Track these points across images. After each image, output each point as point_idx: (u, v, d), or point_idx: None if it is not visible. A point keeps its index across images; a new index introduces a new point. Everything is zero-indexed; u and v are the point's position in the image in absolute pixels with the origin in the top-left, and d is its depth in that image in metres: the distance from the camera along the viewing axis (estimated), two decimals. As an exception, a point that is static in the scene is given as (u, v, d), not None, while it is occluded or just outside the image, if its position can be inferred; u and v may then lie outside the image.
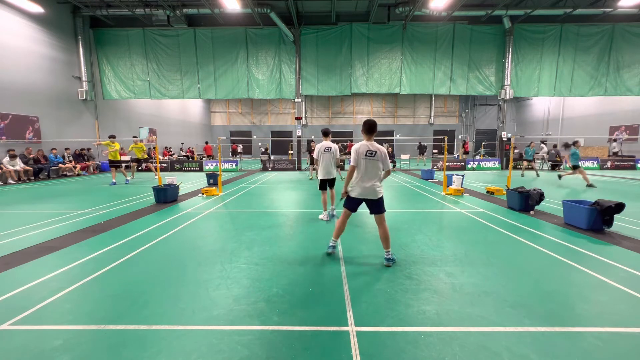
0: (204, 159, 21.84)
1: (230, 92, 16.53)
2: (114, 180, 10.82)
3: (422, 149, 22.27)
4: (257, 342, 2.20)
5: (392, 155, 16.61)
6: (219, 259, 3.75)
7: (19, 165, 11.53)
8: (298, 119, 16.67)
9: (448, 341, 2.19)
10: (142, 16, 14.87)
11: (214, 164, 17.15)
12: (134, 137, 13.38)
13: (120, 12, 14.69)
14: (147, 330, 2.33)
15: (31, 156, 12.26)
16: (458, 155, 26.60)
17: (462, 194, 8.35)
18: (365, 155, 3.45)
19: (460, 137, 30.59)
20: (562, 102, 24.34)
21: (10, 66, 11.87)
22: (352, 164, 3.56)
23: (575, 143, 10.03)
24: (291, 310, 2.60)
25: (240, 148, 23.84)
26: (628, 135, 19.02)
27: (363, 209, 3.72)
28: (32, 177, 12.09)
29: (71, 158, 14.20)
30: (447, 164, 15.65)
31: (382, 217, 3.52)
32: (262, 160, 18.01)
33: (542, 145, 19.63)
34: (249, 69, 16.27)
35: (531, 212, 6.12)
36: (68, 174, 13.46)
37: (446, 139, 9.81)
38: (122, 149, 11.40)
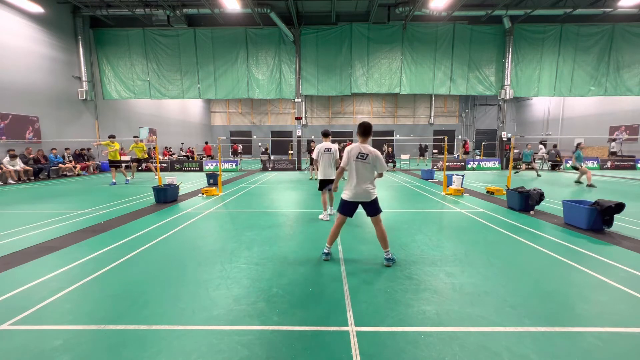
0: (204, 159, 21.84)
1: (230, 92, 16.53)
2: (114, 180, 10.82)
3: (422, 150, 22.27)
4: (257, 342, 2.20)
5: (392, 155, 16.61)
6: (219, 259, 3.75)
7: (19, 165, 11.53)
8: (298, 119, 16.67)
9: (448, 341, 2.19)
10: (142, 16, 14.87)
11: (214, 164, 17.15)
12: (134, 136, 13.39)
13: (120, 12, 14.69)
14: (147, 330, 2.33)
15: (31, 156, 12.26)
16: (458, 155, 26.61)
17: (462, 194, 8.35)
18: (357, 157, 3.44)
19: (460, 137, 30.60)
20: (562, 102, 24.34)
21: (10, 66, 11.88)
22: (342, 165, 3.57)
23: (579, 145, 10.44)
24: (291, 310, 2.60)
25: (240, 148, 23.84)
26: (628, 135, 19.02)
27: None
28: (32, 177, 12.09)
29: (71, 158, 14.20)
30: (447, 164, 15.65)
31: (378, 218, 3.51)
32: (262, 160, 18.02)
33: (540, 146, 19.64)
34: (249, 69, 16.27)
35: (531, 212, 6.12)
36: (68, 174, 13.46)
37: (446, 139, 9.81)
38: (122, 148, 11.39)
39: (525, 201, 6.21)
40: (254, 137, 30.90)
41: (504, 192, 7.75)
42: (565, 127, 24.36)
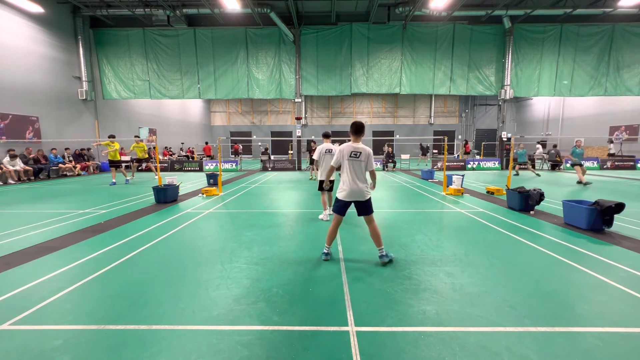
0: (204, 159, 21.84)
1: (230, 92, 16.53)
2: (114, 180, 10.82)
3: (424, 150, 22.07)
4: (257, 342, 2.20)
5: (392, 155, 16.60)
6: (219, 259, 3.75)
7: (19, 165, 11.54)
8: (298, 119, 16.67)
9: (448, 341, 2.19)
10: (142, 16, 14.87)
11: (214, 164, 17.15)
12: (135, 136, 13.38)
13: (120, 12, 14.69)
14: (147, 330, 2.33)
15: (31, 156, 12.26)
16: (458, 155, 26.60)
17: (462, 194, 8.35)
18: (350, 156, 3.46)
19: (460, 137, 30.60)
20: (562, 102, 24.34)
21: (10, 66, 11.88)
22: (332, 164, 3.57)
23: (576, 142, 10.56)
24: (291, 310, 2.60)
25: (240, 148, 23.82)
26: (628, 135, 19.03)
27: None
28: (32, 177, 12.09)
29: (71, 158, 14.20)
30: (447, 164, 15.65)
31: (371, 217, 3.54)
32: (262, 160, 18.02)
33: (538, 145, 19.64)
34: (249, 69, 16.27)
35: (531, 212, 6.12)
36: (68, 174, 13.46)
37: (446, 139, 9.81)
38: (122, 148, 11.40)
39: (525, 201, 6.21)
40: (254, 137, 30.90)
41: (504, 192, 7.75)
42: (565, 127, 24.35)
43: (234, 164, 17.45)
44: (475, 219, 5.69)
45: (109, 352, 2.10)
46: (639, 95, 16.28)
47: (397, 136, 30.19)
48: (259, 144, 29.41)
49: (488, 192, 8.56)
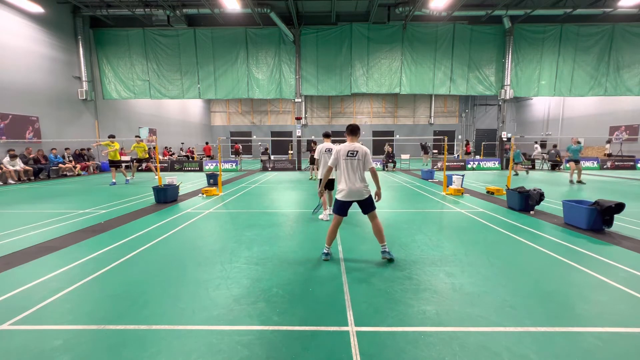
0: (204, 159, 21.84)
1: (230, 92, 16.53)
2: (114, 180, 10.82)
3: (426, 149, 21.72)
4: (257, 342, 2.20)
5: (392, 155, 16.60)
6: (219, 259, 3.75)
7: (19, 165, 11.53)
8: (298, 119, 16.67)
9: (448, 341, 2.19)
10: (142, 16, 14.87)
11: (214, 164, 17.15)
12: (136, 136, 13.39)
13: (120, 12, 14.69)
14: (147, 330, 2.33)
15: (31, 156, 12.26)
16: (458, 155, 26.59)
17: (462, 194, 8.35)
18: (347, 155, 3.47)
19: (459, 137, 30.61)
20: (562, 102, 24.34)
21: (10, 66, 11.87)
22: (330, 164, 3.57)
23: (572, 139, 10.67)
24: (291, 310, 2.60)
25: (240, 148, 23.81)
26: (628, 135, 19.03)
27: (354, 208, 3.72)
28: (32, 177, 12.09)
29: (71, 158, 14.20)
30: (447, 164, 15.65)
31: (374, 214, 3.54)
32: (262, 160, 18.02)
33: (536, 145, 19.66)
34: (249, 69, 16.27)
35: (531, 212, 6.12)
36: (68, 174, 13.46)
37: (446, 139, 9.82)
38: (122, 148, 11.40)
39: (525, 201, 6.21)
40: (254, 137, 30.90)
41: (504, 192, 7.75)
42: (565, 127, 24.36)
43: (234, 164, 17.46)
44: (475, 219, 5.69)
45: (109, 352, 2.10)
46: (639, 95, 16.28)
47: (397, 136, 30.19)
48: (259, 144, 29.41)
49: (488, 192, 8.56)
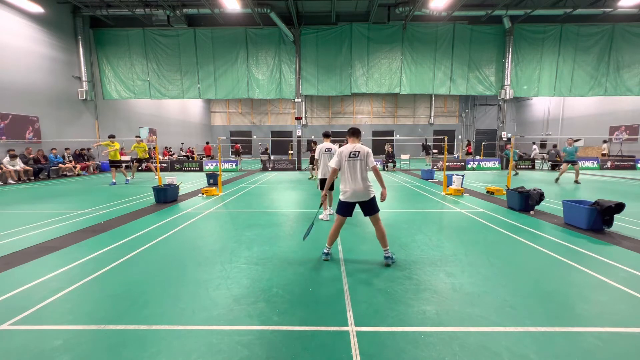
0: (204, 158, 21.85)
1: (230, 92, 16.53)
2: (114, 180, 10.82)
3: (427, 149, 21.31)
4: (257, 342, 2.20)
5: (392, 155, 16.61)
6: (219, 259, 3.75)
7: (19, 165, 11.53)
8: (298, 119, 16.67)
9: (448, 341, 2.19)
10: (142, 16, 14.87)
11: (214, 164, 17.15)
12: (136, 136, 13.40)
13: (120, 12, 14.69)
14: (147, 330, 2.33)
15: (31, 156, 12.26)
16: (458, 155, 26.58)
17: (462, 194, 8.35)
18: (349, 156, 3.48)
19: (459, 137, 30.61)
20: (562, 102, 24.34)
21: (10, 66, 11.87)
22: (334, 166, 3.56)
23: (568, 140, 10.79)
24: (291, 310, 2.60)
25: (240, 148, 23.81)
26: (628, 135, 19.03)
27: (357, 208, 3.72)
28: (32, 177, 12.09)
29: (71, 158, 14.20)
30: (447, 164, 15.65)
31: (377, 217, 3.52)
32: (262, 160, 18.02)
33: (534, 146, 19.67)
34: (249, 69, 16.27)
35: (531, 212, 6.12)
36: (68, 174, 13.46)
37: (446, 139, 9.82)
38: (122, 148, 11.40)
39: (525, 201, 6.21)
40: (254, 137, 30.90)
41: (504, 192, 7.75)
42: (565, 127, 24.36)
43: (233, 164, 17.46)
44: (475, 219, 5.69)
45: (109, 352, 2.10)
46: (639, 95, 16.28)
47: (397, 136, 30.19)
48: (259, 144, 29.42)
49: (488, 192, 8.56)
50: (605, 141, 19.99)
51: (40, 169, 12.37)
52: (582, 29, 15.66)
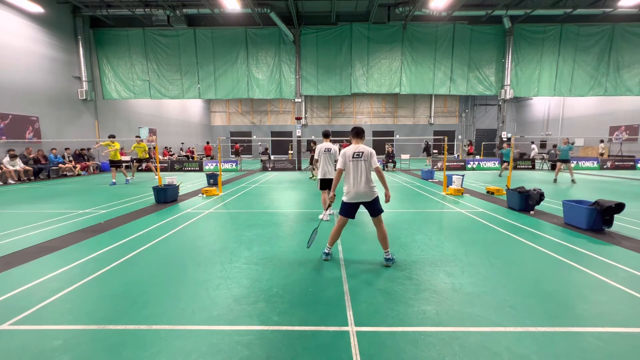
0: (204, 158, 21.85)
1: (230, 92, 16.54)
2: (114, 180, 10.82)
3: (429, 150, 21.01)
4: (257, 342, 2.20)
5: (392, 155, 16.61)
6: (219, 259, 3.75)
7: (19, 165, 11.53)
8: (298, 119, 16.67)
9: (448, 341, 2.19)
10: (142, 16, 14.87)
11: (214, 164, 17.15)
12: (136, 136, 13.40)
13: (120, 12, 14.70)
14: (147, 330, 2.33)
15: (31, 156, 12.26)
16: (458, 155, 26.58)
17: (462, 194, 8.35)
18: (353, 157, 3.47)
19: (459, 137, 30.61)
20: (562, 102, 24.34)
21: (10, 66, 11.88)
22: (339, 167, 3.57)
23: (563, 140, 11.06)
24: (291, 310, 2.60)
25: (240, 148, 23.81)
26: (628, 135, 19.03)
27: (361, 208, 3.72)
28: (32, 177, 12.09)
29: (71, 158, 14.21)
30: (447, 164, 15.65)
31: (380, 219, 3.51)
32: (262, 160, 18.02)
33: (533, 145, 19.67)
34: (249, 69, 16.28)
35: (531, 212, 6.12)
36: (68, 174, 13.46)
37: (446, 139, 9.82)
38: (122, 148, 11.40)
39: (525, 201, 6.21)
40: (254, 137, 30.90)
41: (504, 192, 7.75)
42: (565, 127, 24.36)
43: (233, 164, 17.46)
44: (475, 219, 5.69)
45: (109, 352, 2.10)
46: (639, 95, 16.28)
47: (397, 136, 30.20)
48: (259, 144, 29.43)
49: (488, 192, 8.56)
50: (602, 141, 20.02)
51: (40, 169, 12.37)
52: (582, 29, 15.67)
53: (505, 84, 16.13)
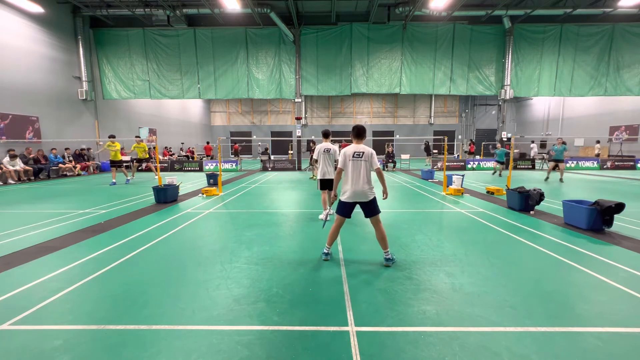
0: (204, 158, 21.85)
1: (230, 92, 16.54)
2: (114, 180, 10.82)
3: (429, 150, 20.99)
4: (257, 342, 2.20)
5: (392, 155, 16.61)
6: (219, 259, 3.75)
7: (19, 165, 11.53)
8: (298, 119, 16.67)
9: (448, 341, 2.19)
10: (142, 16, 14.87)
11: (214, 164, 17.15)
12: (136, 137, 13.40)
13: (120, 12, 14.70)
14: (147, 330, 2.33)
15: (31, 156, 12.26)
16: (458, 155, 26.58)
17: (462, 194, 8.35)
18: (353, 156, 3.47)
19: (459, 137, 30.61)
20: (562, 102, 24.34)
21: (10, 66, 11.88)
22: (339, 166, 3.59)
23: (558, 140, 11.23)
24: (291, 310, 2.60)
25: (239, 148, 23.81)
26: (628, 135, 19.03)
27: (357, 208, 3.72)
28: (32, 177, 12.09)
29: (71, 158, 14.21)
30: (447, 164, 15.65)
31: (377, 219, 3.51)
32: (262, 160, 18.02)
33: (532, 145, 19.68)
34: (249, 69, 16.28)
35: (531, 212, 6.12)
36: (68, 174, 13.46)
37: (446, 139, 9.82)
38: (122, 148, 11.41)
39: (525, 201, 6.21)
40: (254, 137, 30.90)
41: (504, 192, 7.75)
42: (565, 127, 24.37)
43: (233, 164, 17.46)
44: (475, 219, 5.69)
45: (109, 352, 2.10)
46: (639, 95, 16.28)
47: (397, 136, 30.20)
48: (259, 144, 29.43)
49: (488, 192, 8.56)
50: (598, 142, 20.05)
51: (40, 169, 12.37)
52: (582, 29, 15.67)
53: (505, 84, 16.13)
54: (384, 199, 3.59)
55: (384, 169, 16.30)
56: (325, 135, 5.90)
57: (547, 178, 11.41)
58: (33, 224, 5.44)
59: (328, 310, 2.60)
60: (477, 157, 21.09)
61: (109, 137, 10.77)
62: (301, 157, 17.67)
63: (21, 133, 12.34)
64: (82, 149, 15.04)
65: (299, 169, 17.07)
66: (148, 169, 14.78)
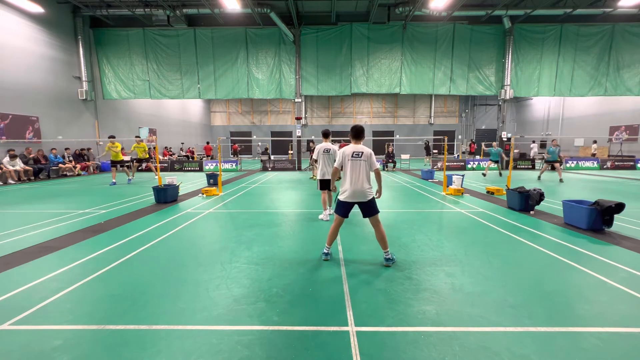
0: (204, 158, 21.84)
1: (230, 92, 16.54)
2: (114, 180, 10.82)
3: (429, 150, 20.62)
4: (257, 342, 2.20)
5: (392, 155, 16.61)
6: (219, 259, 3.75)
7: (19, 165, 11.53)
8: (298, 119, 16.67)
9: (448, 341, 2.19)
10: (142, 16, 14.87)
11: (214, 164, 17.15)
12: (136, 137, 13.40)
13: (120, 12, 14.70)
14: (147, 330, 2.33)
15: (31, 156, 12.26)
16: (458, 155, 26.58)
17: (462, 194, 8.35)
18: (352, 156, 3.48)
19: (459, 137, 30.61)
20: (562, 102, 24.34)
21: (10, 66, 11.88)
22: (335, 165, 3.61)
23: (552, 141, 11.44)
24: (291, 310, 2.60)
25: (238, 148, 23.83)
26: (628, 135, 19.03)
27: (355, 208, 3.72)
28: (32, 177, 12.09)
29: (71, 158, 14.21)
30: (447, 164, 15.64)
31: (377, 219, 3.51)
32: (262, 160, 18.03)
33: (532, 145, 19.68)
34: (249, 69, 16.28)
35: (531, 212, 6.12)
36: (68, 174, 13.46)
37: (446, 139, 9.82)
38: (122, 148, 11.41)
39: (525, 201, 6.21)
40: (254, 137, 30.90)
41: (504, 192, 7.75)
42: (565, 127, 24.36)
43: (233, 164, 17.46)
44: (475, 219, 5.69)
45: (109, 352, 2.10)
46: (639, 95, 16.28)
47: (397, 136, 30.20)
48: (259, 144, 29.43)
49: (488, 192, 8.56)
50: (594, 142, 20.06)
51: (40, 169, 12.37)
52: (582, 29, 15.67)
53: (505, 84, 16.13)
54: (377, 197, 3.60)
55: (383, 169, 16.31)
56: (325, 135, 5.90)
57: (539, 177, 11.72)
58: (33, 224, 5.44)
59: (328, 310, 2.60)
60: (477, 157, 21.10)
61: (109, 137, 10.76)
62: (301, 157, 17.67)
63: (21, 133, 12.34)
64: (82, 149, 15.03)
65: (299, 169, 17.07)
66: (148, 169, 14.78)
